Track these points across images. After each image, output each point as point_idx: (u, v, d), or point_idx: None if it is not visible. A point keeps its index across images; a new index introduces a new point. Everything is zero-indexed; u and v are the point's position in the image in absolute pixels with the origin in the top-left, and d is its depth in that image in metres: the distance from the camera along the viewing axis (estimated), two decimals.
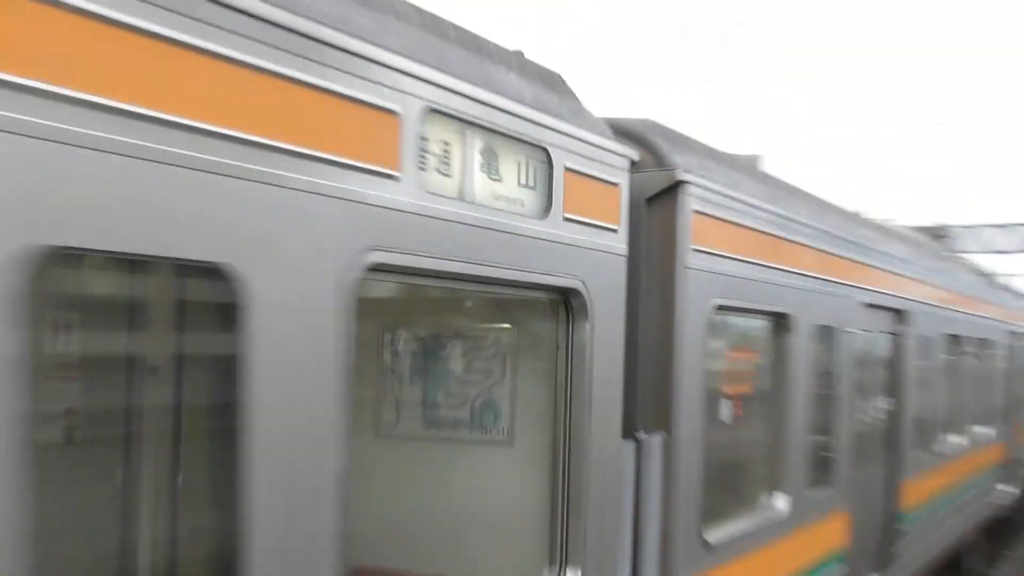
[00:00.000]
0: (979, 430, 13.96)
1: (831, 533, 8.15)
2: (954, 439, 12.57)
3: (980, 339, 14.04)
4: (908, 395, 10.38)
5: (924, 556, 11.15)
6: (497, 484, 5.43)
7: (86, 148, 2.61)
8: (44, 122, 2.51)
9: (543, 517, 4.99)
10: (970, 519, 13.50)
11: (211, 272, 2.96)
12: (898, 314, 10.05)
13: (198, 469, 3.86)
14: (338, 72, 3.41)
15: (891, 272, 9.79)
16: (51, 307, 3.47)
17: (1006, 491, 15.29)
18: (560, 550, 4.88)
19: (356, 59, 3.48)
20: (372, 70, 3.56)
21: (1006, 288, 18.52)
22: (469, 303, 5.81)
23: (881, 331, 9.72)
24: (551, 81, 5.04)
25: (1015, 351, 16.18)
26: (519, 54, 4.90)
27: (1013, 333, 16.04)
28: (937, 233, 28.06)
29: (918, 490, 10.69)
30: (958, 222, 36.31)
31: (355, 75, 3.49)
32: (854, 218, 9.80)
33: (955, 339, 12.56)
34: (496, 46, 4.65)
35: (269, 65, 3.13)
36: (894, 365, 10.19)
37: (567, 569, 4.84)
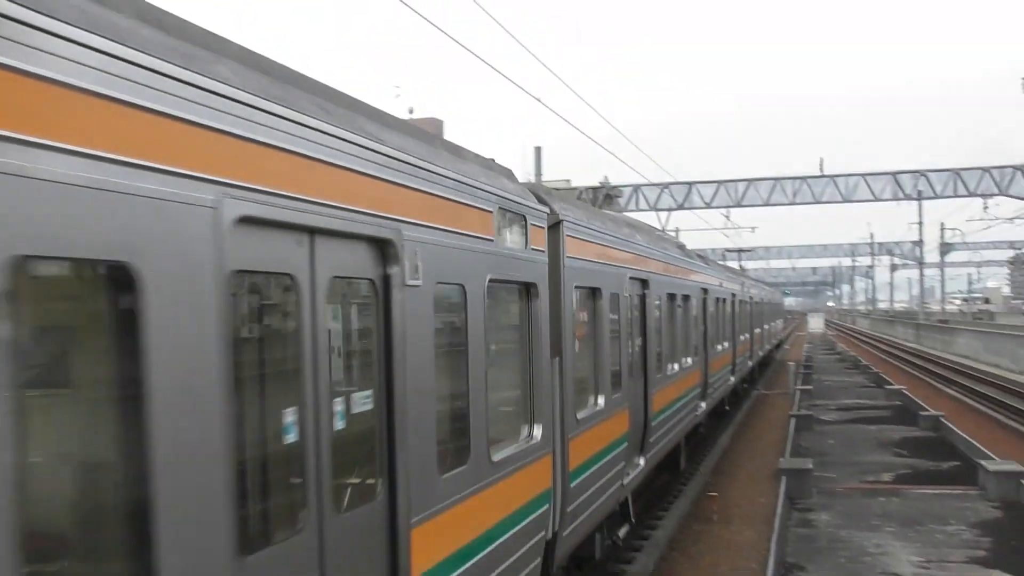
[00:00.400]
0: (687, 360, 19.73)
1: (622, 422, 12.93)
2: (674, 366, 17.95)
3: (684, 296, 19.55)
4: (651, 336, 15.41)
5: (664, 445, 16.57)
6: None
7: None
8: None
9: (524, 397, 9.15)
10: (687, 422, 19.37)
11: None
12: (644, 283, 15.18)
13: None
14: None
15: (640, 256, 14.98)
16: None
17: (701, 405, 21.31)
18: (531, 413, 9.14)
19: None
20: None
21: (700, 257, 25.78)
22: (505, 292, 8.94)
23: (637, 294, 14.78)
24: (512, 176, 9.76)
25: (705, 303, 22.74)
26: (493, 160, 9.57)
27: (704, 289, 22.37)
28: (609, 193, 34.90)
29: (659, 399, 15.83)
30: (624, 183, 40.49)
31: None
32: (634, 227, 17.09)
33: (672, 297, 18.02)
34: (481, 157, 9.16)
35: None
36: (644, 316, 15.25)
37: (534, 424, 9.13)
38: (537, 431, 9.13)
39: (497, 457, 7.92)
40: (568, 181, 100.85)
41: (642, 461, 14.27)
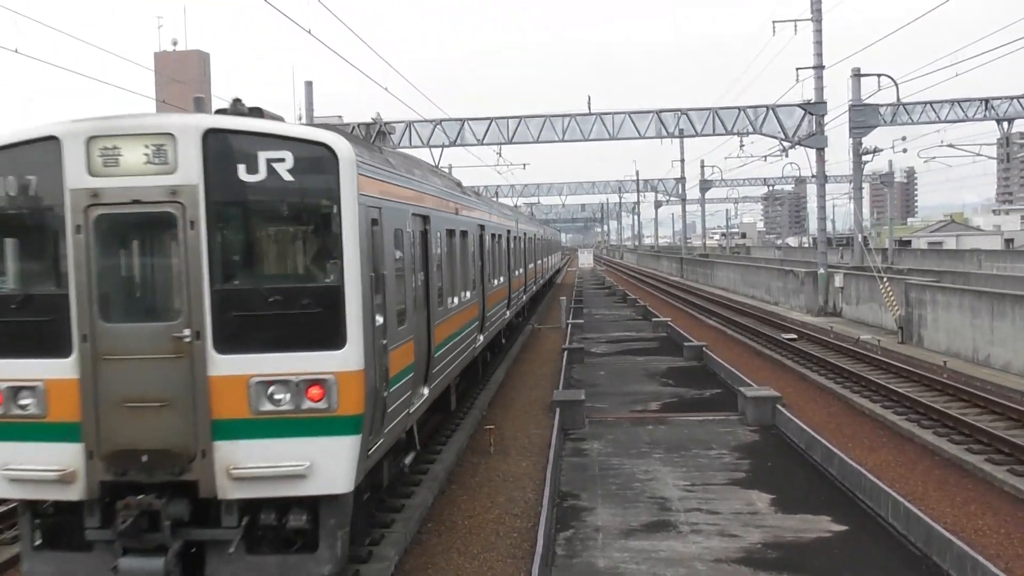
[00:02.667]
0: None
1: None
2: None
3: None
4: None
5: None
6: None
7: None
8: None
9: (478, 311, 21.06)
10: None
11: None
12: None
13: None
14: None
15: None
16: None
17: (480, 338, 21.76)
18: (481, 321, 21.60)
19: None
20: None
21: (476, 194, 27.31)
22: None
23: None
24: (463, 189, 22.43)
25: (482, 239, 22.81)
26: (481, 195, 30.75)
27: (480, 226, 22.55)
28: (382, 130, 37.30)
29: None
30: (397, 119, 42.24)
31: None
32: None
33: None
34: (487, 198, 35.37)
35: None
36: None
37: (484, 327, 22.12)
38: None
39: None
40: (340, 117, 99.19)
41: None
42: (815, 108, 43.25)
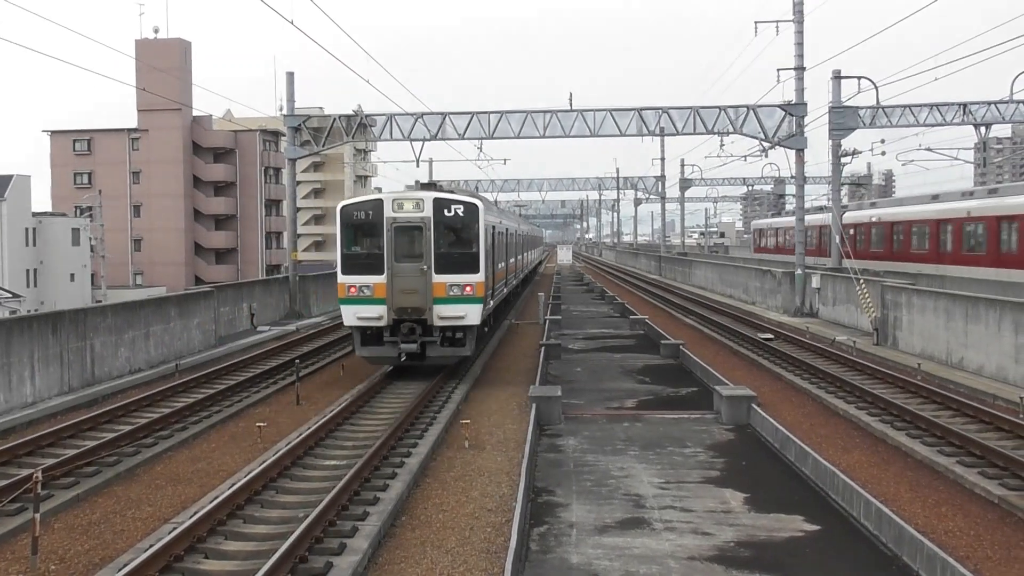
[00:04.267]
0: (504, 263, 33.63)
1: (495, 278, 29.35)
2: (502, 264, 32.60)
3: (505, 231, 33.76)
4: (498, 247, 29.98)
5: (499, 295, 31.97)
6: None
7: None
8: None
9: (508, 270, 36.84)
10: (505, 290, 34.81)
11: None
12: (494, 227, 28.43)
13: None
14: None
15: (497, 218, 30.82)
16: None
17: (511, 282, 40.01)
18: (506, 275, 35.12)
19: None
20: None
21: (502, 210, 44.88)
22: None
23: (496, 231, 28.55)
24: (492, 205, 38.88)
25: (508, 235, 35.73)
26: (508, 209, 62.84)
27: (506, 228, 34.88)
28: (363, 122, 40.60)
29: (498, 275, 30.62)
30: (378, 111, 43.31)
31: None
32: (511, 213, 54.16)
33: (501, 232, 31.82)
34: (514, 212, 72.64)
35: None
36: (493, 240, 28.30)
37: (508, 281, 36.09)
38: None
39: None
40: (321, 108, 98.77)
41: (492, 301, 29.10)
42: (795, 109, 43.37)
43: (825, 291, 41.28)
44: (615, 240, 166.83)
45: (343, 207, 25.25)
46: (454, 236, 25.01)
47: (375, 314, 24.47)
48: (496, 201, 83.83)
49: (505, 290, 34.36)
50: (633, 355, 31.81)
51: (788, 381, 25.84)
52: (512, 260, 38.66)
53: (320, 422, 19.38)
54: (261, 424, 19.73)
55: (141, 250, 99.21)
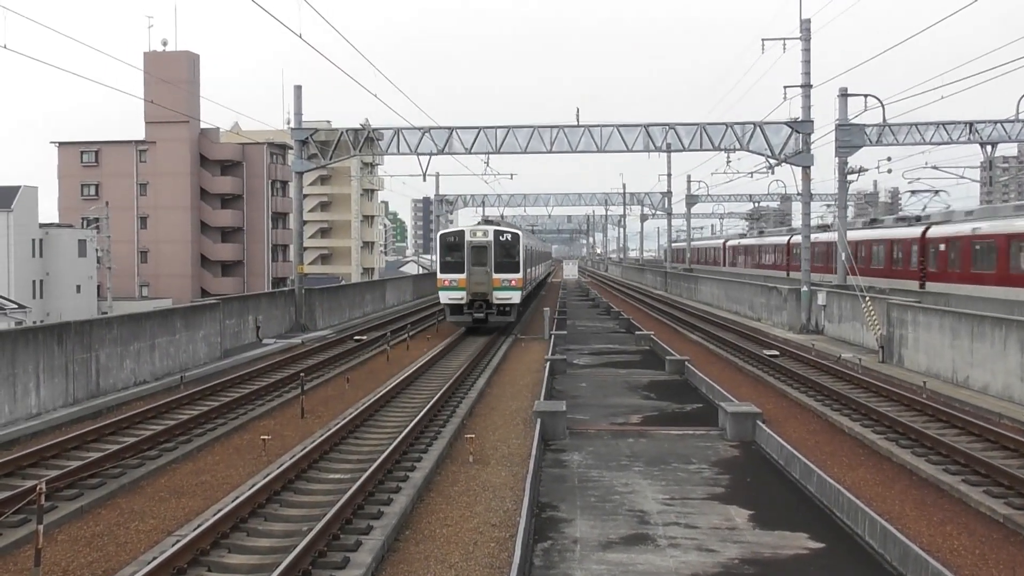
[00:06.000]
0: (534, 269, 59.48)
1: (527, 278, 49.92)
2: (531, 270, 56.00)
3: (533, 248, 56.26)
4: (529, 259, 50.41)
5: (531, 291, 59.99)
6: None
7: None
8: None
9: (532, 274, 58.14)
10: (530, 288, 57.67)
11: None
12: (528, 246, 48.83)
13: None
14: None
15: (529, 239, 52.07)
16: None
17: (533, 283, 59.80)
18: (528, 278, 52.40)
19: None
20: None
21: (531, 232, 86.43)
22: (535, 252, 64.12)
23: (528, 249, 49.26)
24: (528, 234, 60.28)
25: (530, 250, 51.10)
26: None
27: (529, 245, 49.43)
28: (371, 136, 41.05)
29: (528, 276, 51.03)
30: (385, 125, 44.31)
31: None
32: (534, 234, 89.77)
33: (532, 249, 54.01)
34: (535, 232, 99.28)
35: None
36: (528, 253, 47.94)
37: (530, 281, 55.61)
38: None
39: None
40: (329, 122, 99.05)
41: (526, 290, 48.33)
42: (802, 126, 43.42)
43: (831, 308, 41.23)
44: (621, 256, 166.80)
45: (442, 233, 44.73)
46: (505, 251, 42.98)
47: (459, 296, 42.70)
48: (503, 216, 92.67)
49: (533, 284, 58.66)
50: (638, 371, 31.77)
51: (794, 398, 25.79)
52: (534, 267, 60.26)
53: (325, 435, 19.37)
54: (265, 437, 19.72)
55: (147, 262, 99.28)
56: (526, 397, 25.70)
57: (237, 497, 14.95)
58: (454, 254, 42.64)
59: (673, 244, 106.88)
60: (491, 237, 42.58)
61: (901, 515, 14.56)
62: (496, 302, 42.33)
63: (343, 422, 20.81)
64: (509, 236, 42.93)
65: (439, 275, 43.08)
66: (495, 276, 42.22)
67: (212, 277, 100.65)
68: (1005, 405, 23.30)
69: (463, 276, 42.14)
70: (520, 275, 42.82)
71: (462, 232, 43.13)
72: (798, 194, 48.04)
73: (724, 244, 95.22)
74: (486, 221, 48.62)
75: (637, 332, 41.84)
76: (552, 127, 45.32)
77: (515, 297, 42.81)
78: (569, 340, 40.80)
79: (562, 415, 20.82)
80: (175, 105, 79.08)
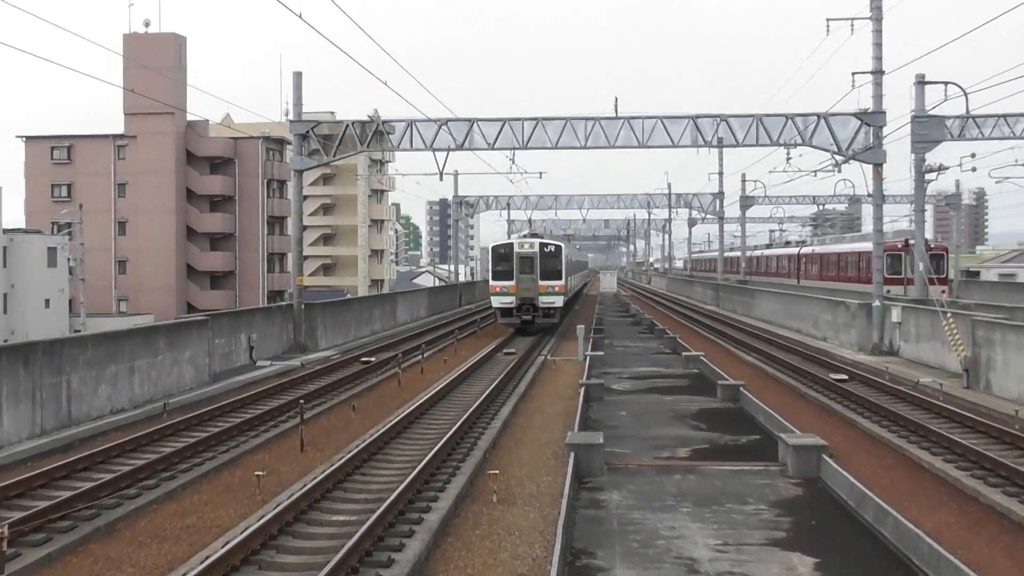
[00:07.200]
0: (572, 277, 69.32)
1: (569, 284, 63.84)
2: (571, 279, 68.80)
3: (571, 258, 67.76)
4: (570, 267, 63.14)
5: (571, 297, 72.88)
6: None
7: None
8: None
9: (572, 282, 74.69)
10: (571, 295, 70.84)
11: None
12: (568, 256, 60.17)
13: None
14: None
15: (569, 250, 63.90)
16: None
17: (572, 290, 72.32)
18: (569, 285, 66.62)
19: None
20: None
21: (569, 241, 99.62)
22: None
23: (568, 259, 60.26)
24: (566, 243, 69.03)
25: (569, 259, 62.55)
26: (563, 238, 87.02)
27: (568, 255, 59.91)
28: (380, 129, 40.32)
29: (569, 283, 62.93)
30: (397, 117, 43.67)
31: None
32: (572, 246, 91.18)
33: (571, 259, 67.58)
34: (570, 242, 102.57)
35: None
36: (568, 262, 60.88)
37: (569, 289, 68.48)
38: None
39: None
40: (333, 113, 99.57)
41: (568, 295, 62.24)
42: (873, 118, 43.28)
43: (907, 326, 41.04)
44: (666, 266, 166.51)
45: (493, 246, 57.41)
46: (549, 261, 54.77)
47: (509, 301, 54.23)
48: (531, 220, 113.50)
49: (573, 290, 72.25)
50: (686, 397, 31.70)
51: (864, 429, 25.67)
52: (574, 275, 73.20)
53: (327, 471, 19.38)
54: (260, 473, 19.74)
55: (126, 273, 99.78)
56: (557, 428, 25.66)
57: (227, 542, 14.96)
58: (504, 264, 54.87)
59: (726, 253, 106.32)
60: (537, 249, 55.10)
61: (990, 564, 14.44)
62: (542, 306, 54.63)
63: (348, 456, 20.82)
64: (553, 247, 55.72)
65: (491, 282, 56.22)
66: (540, 283, 54.22)
67: (200, 290, 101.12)
68: None
69: (512, 283, 54.12)
70: (563, 282, 55.50)
71: (511, 244, 56.30)
72: (869, 195, 47.83)
73: (799, 254, 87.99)
74: (532, 234, 66.08)
75: (685, 353, 41.77)
76: (587, 119, 45.33)
77: (558, 301, 55.47)
78: (607, 362, 40.71)
79: (599, 448, 20.77)
80: (158, 94, 79.32)
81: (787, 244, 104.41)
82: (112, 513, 17.26)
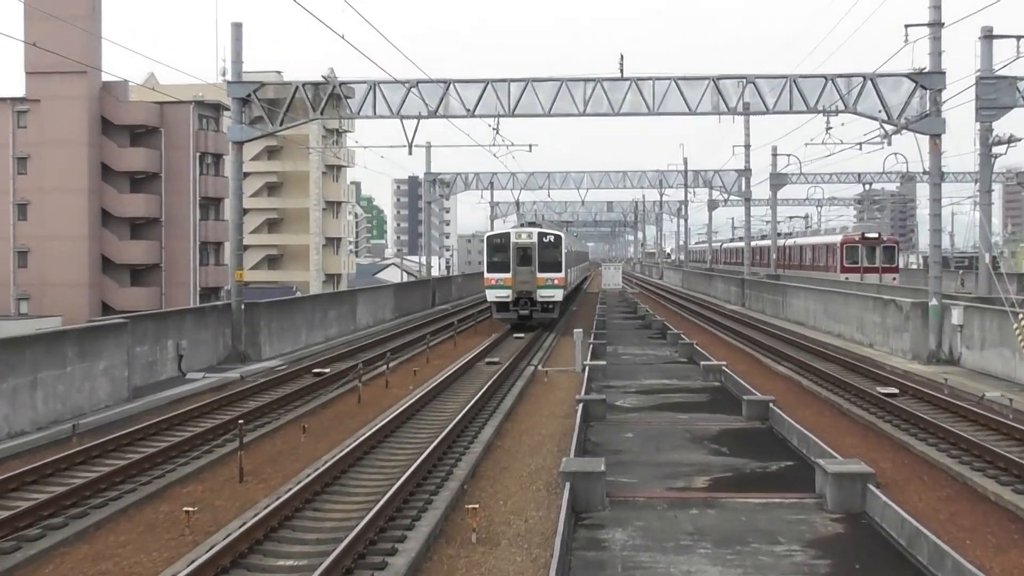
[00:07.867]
0: (572, 269, 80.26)
1: (569, 275, 75.82)
2: (571, 271, 79.00)
3: (571, 249, 79.46)
4: (569, 258, 72.21)
5: (571, 288, 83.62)
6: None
7: None
8: None
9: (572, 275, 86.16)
10: (571, 288, 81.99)
11: None
12: (568, 247, 71.16)
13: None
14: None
15: (569, 241, 78.44)
16: None
17: (572, 283, 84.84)
18: (568, 277, 76.70)
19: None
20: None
21: (568, 229, 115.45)
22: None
23: (568, 250, 70.62)
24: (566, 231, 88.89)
25: (568, 250, 71.22)
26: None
27: (568, 246, 70.71)
28: (336, 92, 44.66)
29: (569, 275, 74.13)
30: (357, 78, 43.66)
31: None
32: (571, 234, 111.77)
33: (571, 249, 78.79)
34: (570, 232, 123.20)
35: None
36: (568, 254, 69.46)
37: (569, 281, 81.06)
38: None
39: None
40: (280, 73, 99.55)
41: (568, 289, 72.06)
42: (930, 80, 43.30)
43: (970, 329, 41.15)
44: (681, 257, 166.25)
45: (488, 236, 65.75)
46: (548, 252, 61.82)
47: (505, 294, 61.18)
48: (519, 202, 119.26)
49: (572, 284, 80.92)
50: (705, 415, 31.76)
51: (918, 453, 25.75)
52: (574, 268, 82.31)
53: (272, 506, 19.37)
54: (190, 509, 19.73)
55: (28, 266, 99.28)
56: (549, 453, 25.71)
57: None
58: (500, 254, 62.22)
59: (754, 243, 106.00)
60: (535, 239, 62.24)
61: None
62: (540, 300, 61.59)
63: (297, 487, 20.81)
64: (552, 237, 63.08)
65: (486, 275, 62.96)
66: (539, 275, 61.54)
67: (118, 287, 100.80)
68: None
69: (509, 275, 61.42)
70: (563, 275, 62.79)
71: (507, 234, 63.67)
72: (925, 173, 47.92)
73: (842, 242, 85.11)
74: (530, 224, 71.97)
75: (704, 363, 41.84)
76: (586, 80, 45.22)
77: (558, 295, 62.51)
78: (610, 374, 40.74)
79: (599, 477, 20.79)
80: (67, 49, 78.74)
81: (829, 232, 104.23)
82: (8, 559, 17.23)
